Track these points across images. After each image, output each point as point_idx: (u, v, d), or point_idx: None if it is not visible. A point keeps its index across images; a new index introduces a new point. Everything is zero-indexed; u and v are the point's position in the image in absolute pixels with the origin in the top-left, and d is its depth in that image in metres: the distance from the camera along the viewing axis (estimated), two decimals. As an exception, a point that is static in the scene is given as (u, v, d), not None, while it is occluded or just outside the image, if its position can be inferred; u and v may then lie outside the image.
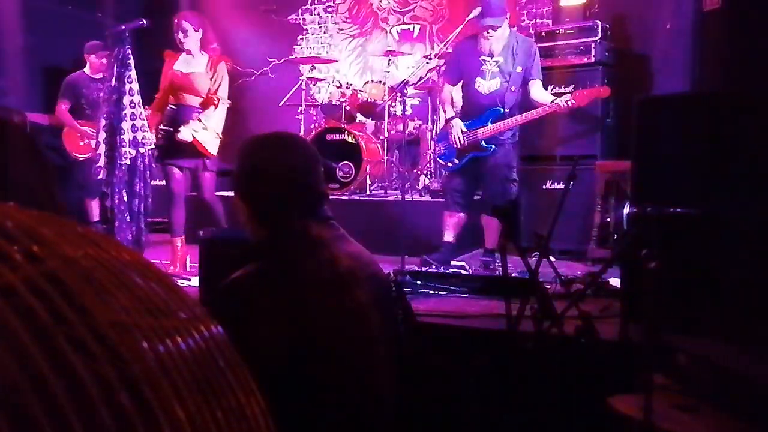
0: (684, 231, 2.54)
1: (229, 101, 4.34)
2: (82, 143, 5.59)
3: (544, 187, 4.99)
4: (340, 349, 1.52)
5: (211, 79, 4.24)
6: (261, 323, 1.46)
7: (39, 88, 6.38)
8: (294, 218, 1.62)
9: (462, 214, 4.27)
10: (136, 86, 3.89)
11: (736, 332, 2.24)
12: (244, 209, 1.67)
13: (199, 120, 4.14)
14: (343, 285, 1.55)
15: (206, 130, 4.15)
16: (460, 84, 4.36)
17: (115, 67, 3.85)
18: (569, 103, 3.98)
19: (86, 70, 5.63)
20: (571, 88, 4.73)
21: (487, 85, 4.14)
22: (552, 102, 4.04)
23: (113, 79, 3.84)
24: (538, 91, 4.17)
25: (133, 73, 3.87)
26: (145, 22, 3.93)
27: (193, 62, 4.27)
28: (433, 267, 4.08)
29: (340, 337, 1.53)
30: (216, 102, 4.20)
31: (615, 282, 3.35)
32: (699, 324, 2.36)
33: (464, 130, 4.16)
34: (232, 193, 1.75)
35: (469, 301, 3.38)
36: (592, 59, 4.90)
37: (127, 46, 3.87)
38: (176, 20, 4.25)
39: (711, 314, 2.35)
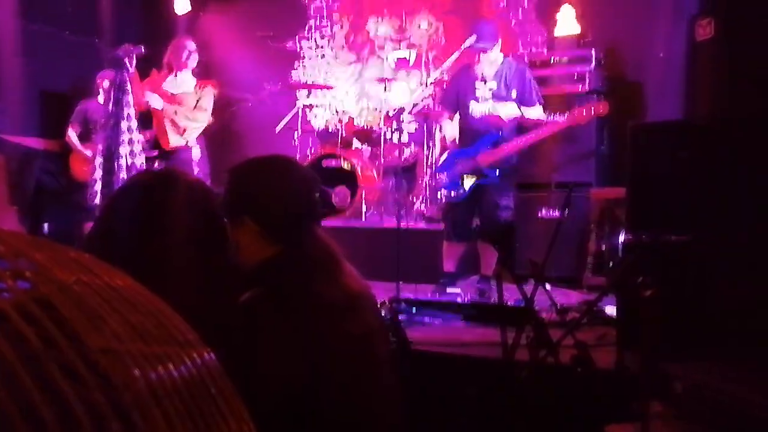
0: (679, 258, 2.54)
1: (211, 119, 4.38)
2: (86, 167, 5.61)
3: (539, 214, 4.99)
4: (351, 373, 1.51)
5: (196, 97, 4.30)
6: (274, 346, 1.44)
7: (35, 112, 6.39)
8: (311, 232, 1.61)
9: (462, 244, 4.28)
10: (133, 111, 3.92)
11: (733, 360, 2.22)
12: (251, 228, 1.60)
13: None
14: (354, 307, 1.54)
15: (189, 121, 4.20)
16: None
17: (113, 92, 3.88)
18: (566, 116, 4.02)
19: (99, 97, 5.69)
20: (565, 116, 4.77)
21: (479, 109, 4.16)
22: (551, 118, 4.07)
23: (110, 104, 3.87)
24: (534, 112, 4.18)
25: (131, 98, 3.89)
26: (143, 49, 3.97)
27: (182, 84, 4.32)
28: (428, 295, 4.07)
29: (351, 360, 1.51)
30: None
31: (611, 310, 3.34)
32: (695, 352, 2.35)
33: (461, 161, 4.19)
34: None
35: (464, 329, 3.36)
36: (587, 87, 4.95)
37: (125, 72, 3.90)
38: (181, 41, 4.33)
39: (707, 342, 2.34)
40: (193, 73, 4.44)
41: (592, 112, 4.10)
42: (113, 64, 3.99)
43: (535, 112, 4.18)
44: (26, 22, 6.15)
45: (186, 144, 4.28)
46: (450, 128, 4.38)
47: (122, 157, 3.82)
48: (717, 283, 2.44)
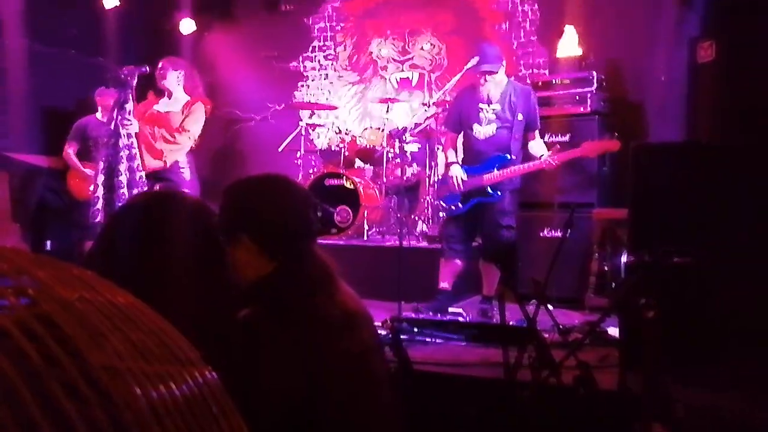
0: (682, 280, 2.53)
1: (197, 139, 4.34)
2: (85, 186, 5.62)
3: (541, 234, 4.99)
4: (349, 389, 1.51)
5: (183, 116, 4.28)
6: (273, 362, 1.44)
7: (40, 130, 6.43)
8: (308, 249, 1.62)
9: (459, 262, 4.25)
10: (134, 129, 3.94)
11: (736, 381, 2.21)
12: (247, 245, 1.61)
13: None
14: (352, 325, 1.55)
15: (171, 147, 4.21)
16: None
17: (115, 110, 3.91)
18: (554, 160, 4.03)
19: (98, 114, 5.72)
20: (567, 137, 4.79)
21: (483, 131, 4.18)
22: (542, 158, 4.08)
23: (112, 123, 3.89)
24: (535, 144, 4.21)
25: (132, 117, 3.92)
26: (147, 68, 4.00)
27: (171, 103, 4.33)
28: (429, 314, 4.04)
29: (349, 377, 1.51)
30: (174, 139, 4.22)
31: (613, 331, 3.33)
32: (698, 373, 2.33)
33: (464, 178, 4.17)
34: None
35: (466, 349, 3.34)
36: (588, 109, 4.98)
37: (128, 91, 3.93)
38: (161, 62, 4.33)
39: (710, 363, 2.32)
40: (186, 90, 4.39)
41: (603, 148, 4.14)
42: (116, 84, 4.01)
43: (535, 141, 4.21)
44: (32, 41, 6.21)
45: (165, 165, 4.24)
46: (450, 149, 4.39)
47: (122, 174, 3.82)
48: (719, 304, 2.43)
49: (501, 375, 2.43)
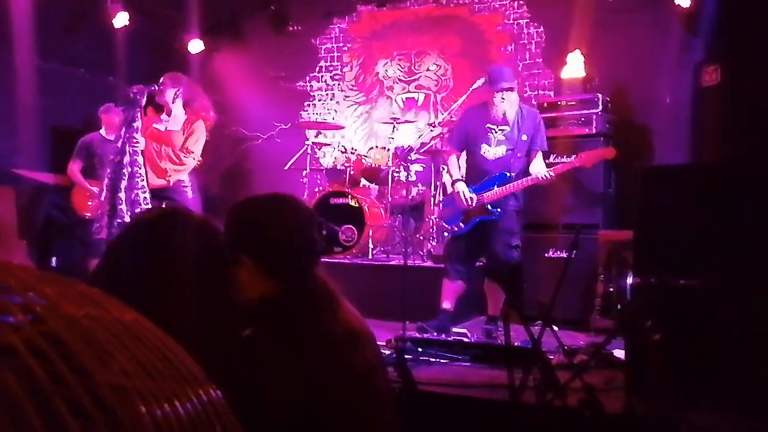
0: (688, 302, 2.52)
1: (200, 159, 4.36)
2: (90, 202, 5.63)
3: (546, 255, 4.98)
4: (352, 407, 1.50)
5: (184, 135, 4.29)
6: (276, 380, 1.43)
7: (48, 147, 6.48)
8: (310, 270, 1.62)
9: (461, 282, 4.23)
10: (140, 147, 3.96)
11: (741, 403, 2.19)
12: (250, 266, 1.63)
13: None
14: (355, 344, 1.54)
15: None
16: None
17: (123, 128, 3.94)
18: (551, 172, 4.03)
19: (102, 131, 5.74)
20: (573, 158, 4.80)
21: (492, 151, 4.18)
22: (540, 175, 4.07)
23: (120, 141, 3.92)
24: (537, 163, 4.21)
25: (139, 135, 3.95)
26: (156, 87, 4.03)
27: (171, 121, 4.34)
28: (433, 334, 4.03)
29: (352, 395, 1.50)
30: (179, 161, 4.25)
31: (619, 353, 3.30)
32: (704, 396, 2.31)
33: (469, 197, 4.17)
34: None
35: (471, 370, 3.32)
36: (594, 130, 4.99)
37: (137, 109, 3.96)
38: (163, 77, 4.36)
39: (716, 386, 2.30)
40: (185, 107, 4.40)
41: (599, 156, 4.13)
42: (125, 102, 4.04)
43: (536, 161, 4.21)
44: (41, 60, 6.29)
45: (169, 184, 4.25)
46: (454, 165, 4.40)
47: (122, 191, 3.83)
48: (725, 325, 2.41)
49: (506, 396, 2.41)
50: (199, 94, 4.48)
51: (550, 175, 4.03)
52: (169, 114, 4.36)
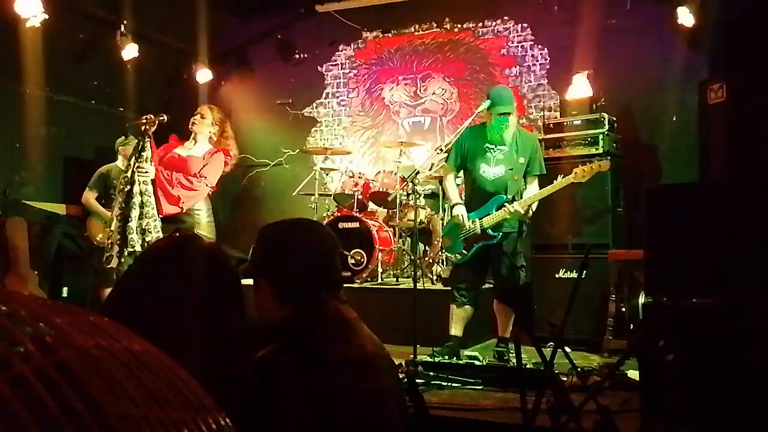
0: (701, 322, 2.50)
1: (214, 187, 4.41)
2: (104, 230, 5.66)
3: (556, 275, 4.96)
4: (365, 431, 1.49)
5: (203, 163, 4.36)
6: (289, 404, 1.43)
7: (59, 178, 6.55)
8: (324, 297, 1.62)
9: (468, 308, 4.21)
10: (149, 177, 4.00)
11: (757, 426, 2.15)
12: (267, 290, 1.64)
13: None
14: (370, 369, 1.54)
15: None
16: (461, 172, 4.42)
17: (133, 158, 3.98)
18: (513, 209, 3.98)
19: (118, 162, 5.81)
20: (570, 175, 4.80)
21: (491, 171, 4.18)
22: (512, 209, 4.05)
23: (130, 171, 3.95)
24: (531, 189, 4.18)
25: (148, 164, 3.99)
26: (165, 117, 4.09)
27: (194, 148, 4.40)
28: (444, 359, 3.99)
29: (364, 422, 1.49)
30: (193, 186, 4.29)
31: (633, 374, 3.26)
32: (720, 418, 2.27)
33: (469, 222, 4.17)
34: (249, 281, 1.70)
35: (483, 393, 3.29)
36: (600, 150, 4.98)
37: (146, 139, 4.00)
38: (200, 107, 4.44)
39: (732, 408, 2.27)
40: (212, 142, 4.49)
41: (593, 170, 4.09)
42: (134, 132, 4.09)
43: (530, 185, 4.19)
44: (52, 92, 6.38)
45: (182, 211, 4.29)
46: (451, 186, 4.40)
47: (133, 220, 3.86)
48: (740, 344, 2.38)
49: (519, 420, 2.38)
50: (228, 130, 4.56)
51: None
52: (195, 143, 4.43)
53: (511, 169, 4.14)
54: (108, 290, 5.43)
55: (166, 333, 0.90)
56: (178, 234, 1.59)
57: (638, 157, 5.53)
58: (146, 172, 3.98)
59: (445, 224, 4.44)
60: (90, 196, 5.69)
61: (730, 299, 2.47)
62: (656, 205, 2.87)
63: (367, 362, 1.54)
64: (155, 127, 4.08)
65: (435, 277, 5.55)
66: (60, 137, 6.42)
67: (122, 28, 6.37)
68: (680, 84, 5.41)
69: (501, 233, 4.10)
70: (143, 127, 4.02)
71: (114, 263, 3.87)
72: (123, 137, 5.79)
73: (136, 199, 3.91)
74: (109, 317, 0.55)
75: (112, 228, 3.95)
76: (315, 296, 1.62)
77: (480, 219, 4.13)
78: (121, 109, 7.02)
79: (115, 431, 0.42)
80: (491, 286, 4.45)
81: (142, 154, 3.98)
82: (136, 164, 3.96)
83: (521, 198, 4.10)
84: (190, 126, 4.39)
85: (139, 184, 3.93)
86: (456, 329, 4.21)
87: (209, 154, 4.40)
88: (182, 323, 1.36)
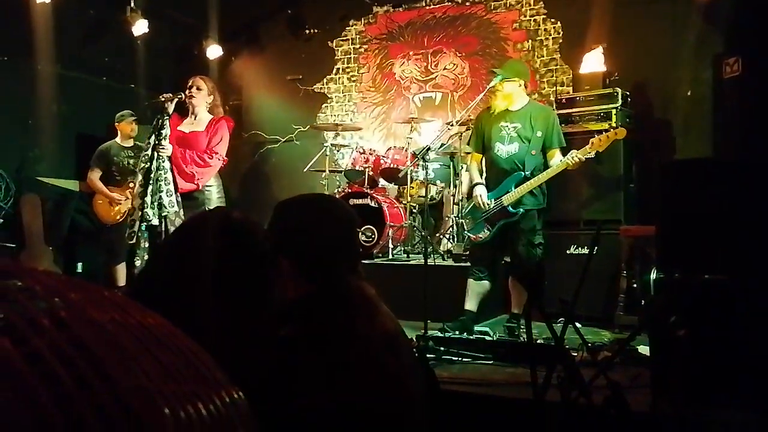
0: (713, 297, 2.49)
1: (225, 159, 4.40)
2: (111, 209, 5.69)
3: (568, 251, 4.94)
4: (385, 410, 1.49)
5: (208, 136, 4.34)
6: (312, 382, 1.43)
7: (72, 155, 6.58)
8: (345, 274, 1.61)
9: (486, 283, 4.23)
10: (167, 153, 4.00)
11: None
12: (285, 267, 1.60)
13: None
14: (392, 346, 1.53)
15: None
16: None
17: (153, 136, 3.98)
18: (575, 159, 3.98)
19: (117, 139, 5.81)
20: (593, 154, 4.76)
21: (505, 149, 4.17)
22: (561, 161, 4.05)
23: (150, 149, 3.96)
24: (555, 161, 4.17)
25: (167, 142, 3.99)
26: (183, 95, 4.08)
27: (196, 123, 4.39)
28: (455, 334, 4.01)
29: (388, 400, 1.49)
30: (206, 162, 4.30)
31: (644, 349, 3.27)
32: (730, 393, 2.28)
33: (486, 201, 4.17)
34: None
35: (493, 368, 3.31)
36: (613, 125, 4.93)
37: (166, 117, 4.01)
38: (192, 79, 4.41)
39: (743, 383, 2.27)
40: (210, 110, 4.47)
41: (610, 138, 4.05)
42: (154, 110, 4.08)
43: (554, 158, 4.17)
44: (64, 69, 6.38)
45: (198, 188, 4.29)
46: (474, 169, 4.39)
47: (148, 195, 3.88)
48: (751, 320, 2.38)
49: (529, 395, 2.40)
50: (218, 98, 4.54)
51: (578, 159, 3.97)
52: (195, 117, 4.41)
53: (528, 145, 4.12)
54: (119, 267, 5.50)
55: (185, 308, 0.91)
56: (208, 210, 1.58)
57: (652, 132, 5.47)
58: (164, 149, 3.99)
59: (467, 206, 4.44)
60: (94, 176, 5.71)
61: (742, 275, 2.46)
62: (669, 180, 2.85)
63: (389, 340, 1.54)
64: (174, 104, 4.08)
65: (445, 253, 5.55)
66: (72, 114, 6.44)
67: (132, 4, 6.34)
68: (695, 58, 5.33)
69: (521, 209, 4.10)
70: (163, 105, 4.02)
71: (135, 239, 3.89)
72: (120, 114, 5.79)
73: (155, 177, 3.93)
74: (139, 287, 0.56)
75: (134, 205, 3.97)
76: (336, 273, 1.61)
77: (500, 197, 4.12)
78: (132, 86, 7.02)
79: (129, 405, 0.43)
80: (506, 262, 4.45)
81: (161, 131, 3.98)
82: (156, 142, 3.96)
83: (541, 173, 4.09)
84: (187, 100, 4.35)
85: (160, 161, 3.95)
86: (471, 304, 4.23)
87: (212, 126, 4.38)
88: (201, 297, 1.37)
